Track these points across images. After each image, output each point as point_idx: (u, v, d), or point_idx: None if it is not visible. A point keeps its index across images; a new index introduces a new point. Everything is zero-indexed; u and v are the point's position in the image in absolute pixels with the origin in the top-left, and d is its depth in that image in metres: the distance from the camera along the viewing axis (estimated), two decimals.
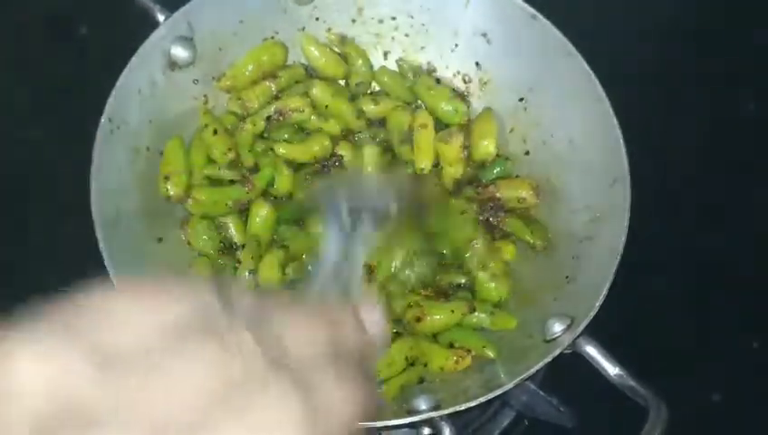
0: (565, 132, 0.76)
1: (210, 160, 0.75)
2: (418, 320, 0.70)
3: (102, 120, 0.69)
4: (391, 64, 0.83)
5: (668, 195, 0.89)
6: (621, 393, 0.63)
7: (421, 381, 0.69)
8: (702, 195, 0.91)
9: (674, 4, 0.98)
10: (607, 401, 0.66)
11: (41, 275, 0.84)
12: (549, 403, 0.72)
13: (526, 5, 0.75)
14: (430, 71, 0.82)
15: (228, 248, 0.74)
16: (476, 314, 0.71)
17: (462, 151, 0.77)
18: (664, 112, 0.94)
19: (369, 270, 0.71)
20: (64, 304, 0.25)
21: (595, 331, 0.64)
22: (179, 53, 0.74)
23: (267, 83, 0.78)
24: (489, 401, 0.63)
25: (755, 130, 0.96)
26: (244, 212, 0.75)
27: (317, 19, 0.81)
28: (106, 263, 0.64)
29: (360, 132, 0.80)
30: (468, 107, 0.81)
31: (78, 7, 0.95)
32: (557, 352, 0.63)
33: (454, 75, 0.82)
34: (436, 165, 0.78)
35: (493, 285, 0.72)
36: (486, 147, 0.78)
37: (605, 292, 0.64)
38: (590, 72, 0.73)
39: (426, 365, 0.70)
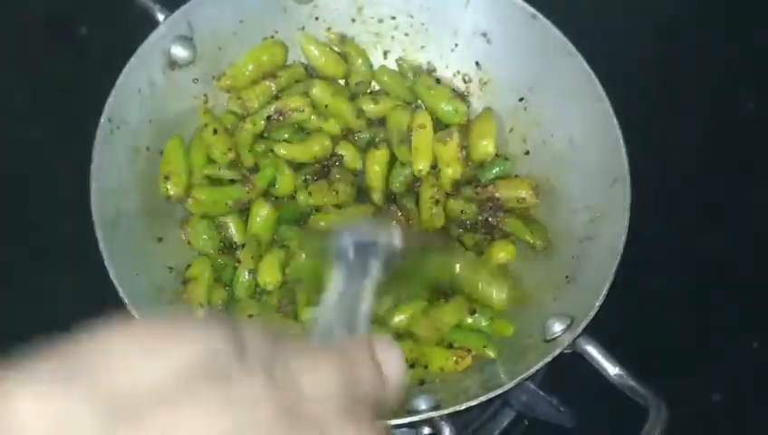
0: (565, 132, 0.76)
1: (210, 160, 0.75)
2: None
3: (102, 119, 0.69)
4: (391, 64, 0.83)
5: (668, 195, 0.89)
6: (621, 393, 0.63)
7: (422, 382, 0.69)
8: (702, 195, 0.91)
9: (674, 4, 0.98)
10: (607, 401, 0.66)
11: (41, 276, 0.84)
12: (549, 403, 0.72)
13: (526, 5, 0.75)
14: (430, 70, 0.82)
15: (228, 248, 0.74)
16: (476, 315, 0.71)
17: (459, 152, 0.77)
18: (664, 112, 0.94)
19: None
20: (67, 345, 0.25)
21: (595, 331, 0.64)
22: (179, 52, 0.74)
23: (267, 83, 0.78)
24: (489, 401, 0.63)
25: (755, 130, 0.96)
26: (244, 212, 0.75)
27: (317, 18, 0.81)
28: (106, 263, 0.64)
29: (359, 132, 0.80)
30: (468, 107, 0.81)
31: (78, 7, 0.95)
32: (557, 351, 0.63)
33: (454, 75, 0.82)
34: (434, 166, 0.78)
35: (493, 292, 0.72)
36: (485, 147, 0.78)
37: (605, 292, 0.64)
38: (590, 71, 0.73)
39: (426, 367, 0.70)
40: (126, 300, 0.63)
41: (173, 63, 0.74)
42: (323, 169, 0.78)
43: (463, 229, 0.77)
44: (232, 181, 0.75)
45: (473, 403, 0.61)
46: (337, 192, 0.76)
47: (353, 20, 0.81)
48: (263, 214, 0.74)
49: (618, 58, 0.88)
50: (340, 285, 0.41)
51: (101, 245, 0.64)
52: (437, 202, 0.76)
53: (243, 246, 0.74)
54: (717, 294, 0.87)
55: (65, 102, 0.91)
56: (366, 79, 0.81)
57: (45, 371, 0.24)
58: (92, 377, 0.24)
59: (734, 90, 0.96)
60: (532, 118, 0.79)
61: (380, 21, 0.82)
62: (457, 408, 0.60)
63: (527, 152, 0.79)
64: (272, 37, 0.80)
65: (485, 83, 0.81)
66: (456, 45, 0.81)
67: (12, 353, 0.25)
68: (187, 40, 0.75)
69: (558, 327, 0.65)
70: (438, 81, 0.81)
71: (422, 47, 0.82)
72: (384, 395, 0.30)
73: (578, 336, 0.64)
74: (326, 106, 0.78)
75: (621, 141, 0.71)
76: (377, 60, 0.83)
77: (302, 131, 0.79)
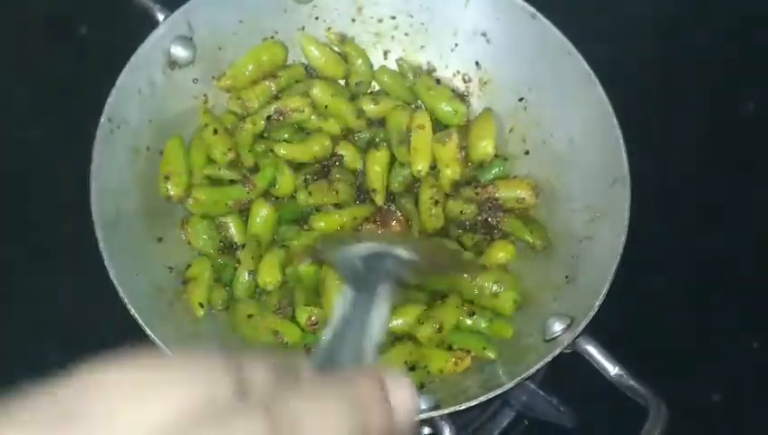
0: (565, 132, 0.76)
1: (210, 160, 0.75)
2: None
3: (102, 119, 0.69)
4: (391, 64, 0.83)
5: (668, 195, 0.89)
6: (621, 393, 0.63)
7: (422, 386, 0.69)
8: (702, 195, 0.91)
9: (674, 4, 0.98)
10: (607, 401, 0.66)
11: (41, 276, 0.84)
12: (549, 403, 0.72)
13: (526, 5, 0.75)
14: (430, 70, 0.82)
15: (228, 248, 0.74)
16: (475, 317, 0.71)
17: (458, 153, 0.77)
18: (664, 112, 0.94)
19: None
20: (63, 385, 0.24)
21: (595, 331, 0.64)
22: (179, 52, 0.74)
23: (267, 83, 0.78)
24: (489, 401, 0.63)
25: (755, 130, 0.96)
26: (244, 212, 0.75)
27: (317, 18, 0.81)
28: (106, 263, 0.64)
29: (359, 132, 0.80)
30: (468, 107, 0.81)
31: (78, 7, 0.95)
32: (557, 351, 0.63)
33: (454, 75, 0.82)
34: (434, 167, 0.78)
35: (498, 291, 0.72)
36: (485, 147, 0.78)
37: (605, 292, 0.64)
38: (591, 71, 0.73)
39: (427, 370, 0.70)
40: (126, 300, 0.63)
41: (173, 63, 0.74)
42: (323, 169, 0.78)
43: (462, 230, 0.77)
44: (232, 181, 0.75)
45: (473, 403, 0.61)
46: (337, 192, 0.75)
47: (353, 20, 0.81)
48: (263, 214, 0.74)
49: (618, 58, 0.88)
50: (347, 310, 0.39)
51: (101, 245, 0.64)
52: (437, 203, 0.76)
53: (243, 246, 0.74)
54: (717, 294, 0.87)
55: (65, 102, 0.91)
56: (366, 79, 0.81)
57: (33, 414, 0.23)
58: (90, 422, 0.23)
59: (734, 90, 0.96)
60: (532, 118, 0.79)
61: (380, 21, 0.82)
62: (457, 408, 0.60)
63: (527, 152, 0.79)
64: (272, 37, 0.80)
65: (485, 83, 0.81)
66: (456, 45, 0.81)
67: (3, 394, 0.24)
68: (187, 40, 0.75)
69: (558, 327, 0.65)
70: (438, 81, 0.81)
71: (422, 47, 0.82)
72: None
73: (578, 336, 0.64)
74: (326, 106, 0.78)
75: (621, 141, 0.70)
76: (377, 60, 0.83)
77: (302, 131, 0.79)
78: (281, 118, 0.78)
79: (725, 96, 0.95)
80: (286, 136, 0.78)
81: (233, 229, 0.74)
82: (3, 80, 0.94)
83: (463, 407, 0.61)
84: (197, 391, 0.24)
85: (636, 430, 0.60)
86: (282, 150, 0.76)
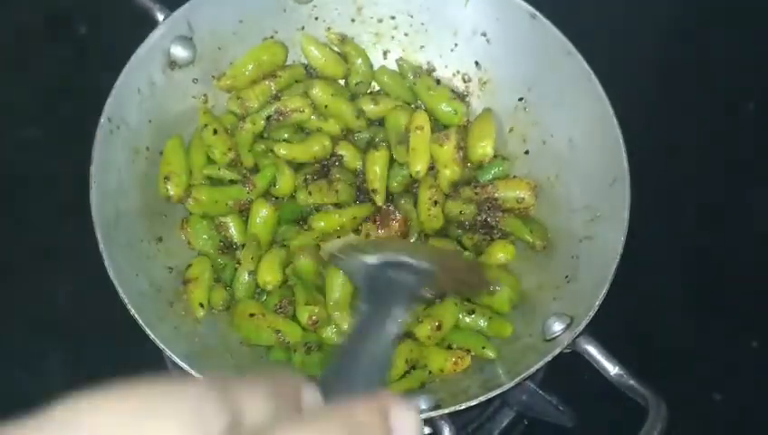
0: (565, 132, 0.76)
1: (210, 160, 0.75)
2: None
3: (102, 119, 0.69)
4: (391, 64, 0.83)
5: (668, 195, 0.89)
6: (621, 393, 0.63)
7: (422, 385, 0.69)
8: (702, 195, 0.91)
9: (674, 4, 0.98)
10: (606, 401, 0.66)
11: (41, 276, 0.84)
12: (549, 403, 0.72)
13: (526, 5, 0.75)
14: (430, 70, 0.82)
15: (228, 248, 0.74)
16: (474, 316, 0.71)
17: (457, 153, 0.77)
18: (664, 112, 0.94)
19: None
20: (48, 417, 0.23)
21: (595, 330, 0.64)
22: (179, 52, 0.74)
23: (267, 83, 0.78)
24: (489, 401, 0.63)
25: (755, 130, 0.96)
26: (244, 212, 0.75)
27: (317, 18, 0.81)
28: (106, 263, 0.64)
29: (359, 132, 0.80)
30: (468, 107, 0.81)
31: (78, 7, 0.95)
32: (557, 351, 0.63)
33: (453, 75, 0.82)
34: (432, 167, 0.78)
35: (495, 289, 0.72)
36: (484, 148, 0.78)
37: (605, 292, 0.64)
38: (590, 71, 0.73)
39: (429, 370, 0.70)
40: (126, 300, 0.63)
41: (173, 63, 0.74)
42: (323, 169, 0.78)
43: (462, 230, 0.77)
44: (232, 181, 0.75)
45: (472, 403, 0.61)
46: (337, 192, 0.76)
47: (353, 20, 0.81)
48: (263, 214, 0.74)
49: (618, 58, 0.88)
50: (358, 331, 0.38)
51: (101, 245, 0.64)
52: (436, 203, 0.76)
53: (243, 246, 0.74)
54: (717, 294, 0.87)
55: (65, 102, 0.91)
56: (366, 79, 0.81)
57: None
58: None
59: (734, 90, 0.96)
60: (532, 118, 0.79)
61: (380, 21, 0.82)
62: (457, 407, 0.60)
63: (527, 152, 0.79)
64: (272, 37, 0.80)
65: (485, 83, 0.81)
66: (456, 45, 0.81)
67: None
68: (187, 40, 0.75)
69: (558, 327, 0.65)
70: (438, 81, 0.81)
71: (422, 47, 0.82)
72: None
73: (578, 336, 0.64)
74: (326, 106, 0.78)
75: (621, 141, 0.70)
76: (377, 60, 0.83)
77: (301, 131, 0.79)
78: (281, 118, 0.78)
79: (725, 96, 0.96)
80: (286, 136, 0.78)
81: (233, 229, 0.74)
82: (3, 80, 0.94)
83: (463, 407, 0.61)
84: (188, 428, 0.23)
85: (636, 430, 0.60)
86: (282, 150, 0.76)
